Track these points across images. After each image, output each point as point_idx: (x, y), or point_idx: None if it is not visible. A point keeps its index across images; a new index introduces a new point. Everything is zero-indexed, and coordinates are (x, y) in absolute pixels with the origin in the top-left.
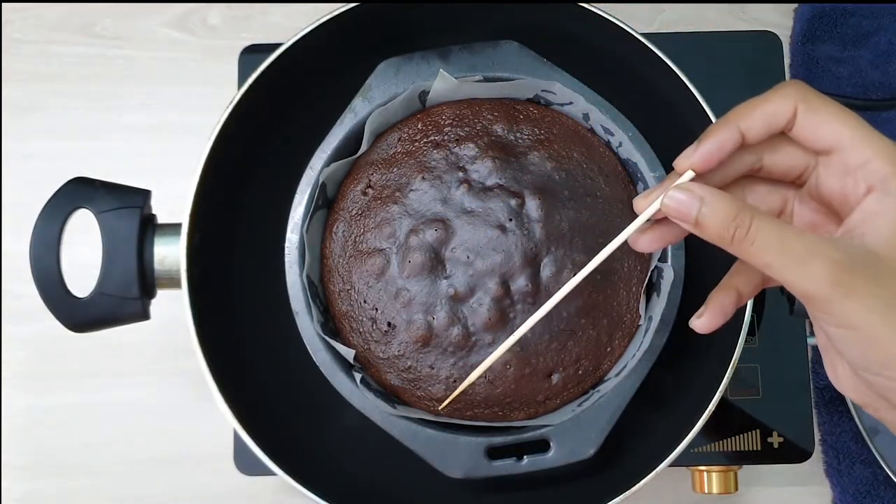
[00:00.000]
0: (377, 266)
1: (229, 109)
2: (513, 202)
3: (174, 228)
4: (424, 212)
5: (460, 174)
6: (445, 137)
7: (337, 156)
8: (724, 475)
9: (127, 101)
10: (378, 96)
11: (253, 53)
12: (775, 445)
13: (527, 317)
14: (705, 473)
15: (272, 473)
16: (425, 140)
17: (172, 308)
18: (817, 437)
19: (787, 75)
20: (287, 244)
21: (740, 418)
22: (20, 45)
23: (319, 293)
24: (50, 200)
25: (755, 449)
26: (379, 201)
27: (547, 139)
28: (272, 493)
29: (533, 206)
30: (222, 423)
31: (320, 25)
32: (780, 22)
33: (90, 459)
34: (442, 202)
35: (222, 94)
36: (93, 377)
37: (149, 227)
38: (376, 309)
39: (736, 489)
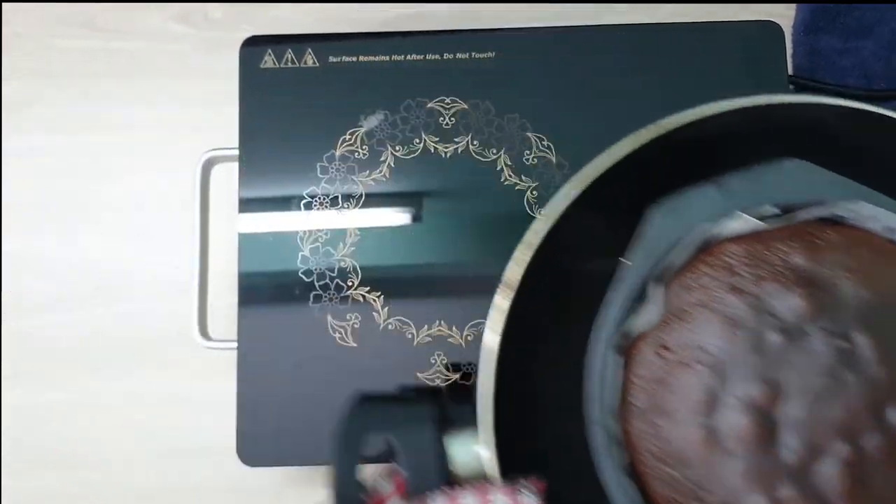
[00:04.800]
0: (695, 441)
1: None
2: (839, 344)
3: (470, 429)
4: (739, 370)
5: (770, 320)
6: (742, 280)
7: (616, 326)
8: None
9: (129, 94)
10: (653, 245)
11: (254, 46)
12: None
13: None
14: None
15: (276, 465)
16: (718, 286)
17: (173, 302)
18: None
19: (790, 65)
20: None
21: None
22: (21, 40)
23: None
24: (341, 430)
25: None
26: (679, 365)
27: (858, 265)
28: (275, 486)
29: (863, 345)
30: (224, 414)
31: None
32: (781, 12)
33: (91, 453)
34: (756, 355)
35: (224, 87)
36: (93, 372)
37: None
38: (701, 486)
39: None
